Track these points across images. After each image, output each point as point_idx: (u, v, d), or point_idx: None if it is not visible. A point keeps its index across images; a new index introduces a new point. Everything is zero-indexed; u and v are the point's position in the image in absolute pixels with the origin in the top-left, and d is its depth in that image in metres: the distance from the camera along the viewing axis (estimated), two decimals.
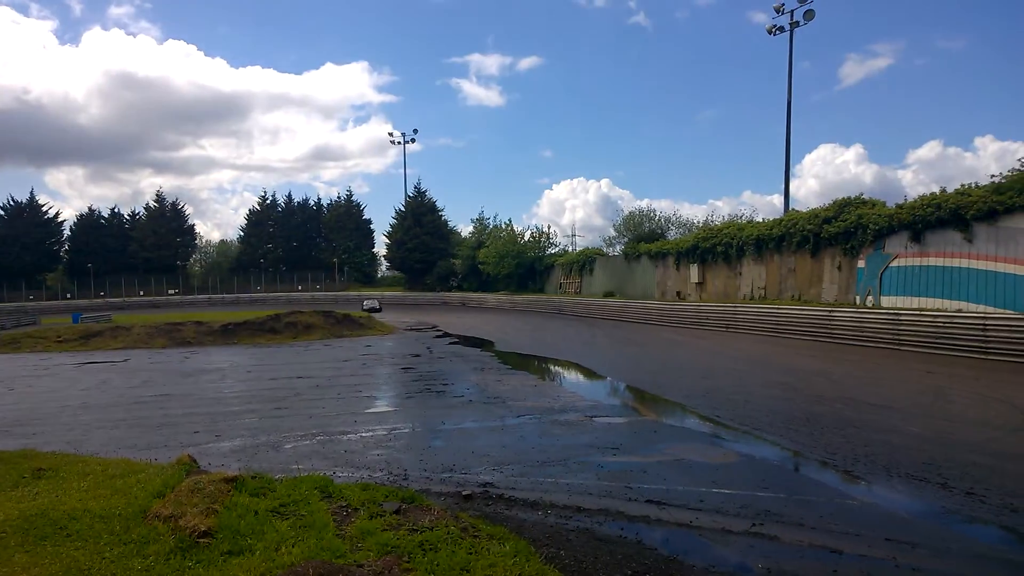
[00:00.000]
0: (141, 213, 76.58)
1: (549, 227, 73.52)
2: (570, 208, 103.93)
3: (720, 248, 31.06)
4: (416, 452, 9.23)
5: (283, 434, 10.35)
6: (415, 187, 68.65)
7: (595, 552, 5.60)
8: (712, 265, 32.11)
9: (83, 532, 5.08)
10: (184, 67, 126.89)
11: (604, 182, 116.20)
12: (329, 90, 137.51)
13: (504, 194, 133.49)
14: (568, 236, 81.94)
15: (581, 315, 38.87)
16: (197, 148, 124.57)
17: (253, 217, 76.77)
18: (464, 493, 7.19)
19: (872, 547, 5.70)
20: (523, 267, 53.58)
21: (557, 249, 55.45)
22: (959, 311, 18.92)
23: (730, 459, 8.70)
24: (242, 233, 77.80)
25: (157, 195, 76.12)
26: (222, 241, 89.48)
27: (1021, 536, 6.00)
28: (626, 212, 45.30)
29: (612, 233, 47.31)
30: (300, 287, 70.32)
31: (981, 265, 19.06)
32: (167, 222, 74.53)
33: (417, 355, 21.97)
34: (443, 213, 68.91)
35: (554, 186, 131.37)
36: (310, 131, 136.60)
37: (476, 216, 66.51)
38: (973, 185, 20.11)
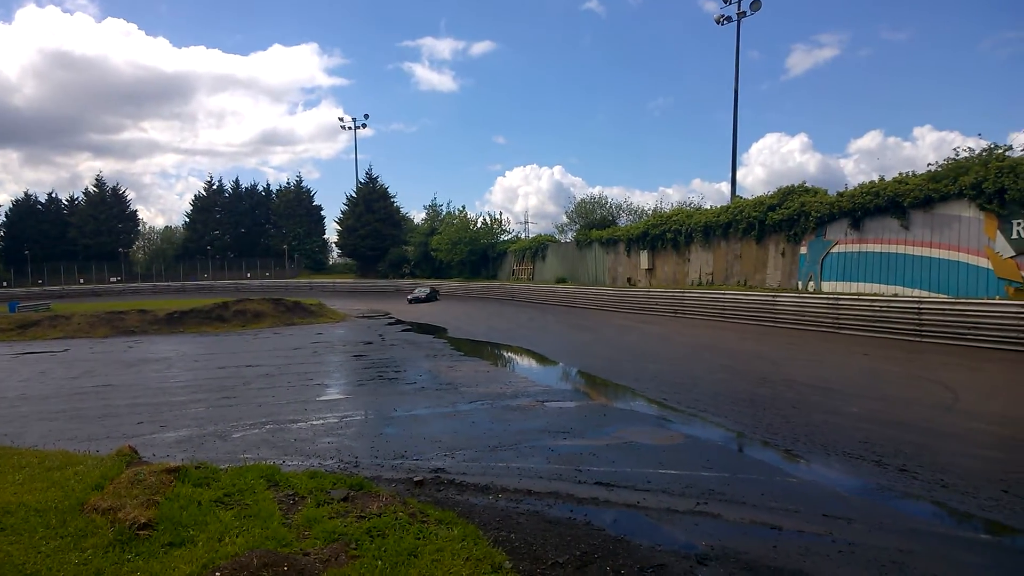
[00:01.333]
0: (80, 198, 73.37)
1: (502, 214, 73.58)
2: (523, 195, 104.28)
3: (669, 235, 31.58)
4: (367, 439, 9.19)
5: (231, 423, 10.15)
6: (367, 173, 67.69)
7: (545, 534, 5.68)
8: (662, 251, 32.65)
9: (17, 526, 4.90)
10: (124, 46, 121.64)
11: (557, 169, 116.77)
12: (277, 72, 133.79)
13: (457, 180, 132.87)
14: (521, 223, 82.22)
15: (534, 301, 39.09)
16: (138, 131, 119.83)
17: (199, 203, 74.43)
18: (416, 479, 7.20)
19: (810, 523, 5.93)
20: (476, 254, 53.52)
21: (510, 236, 55.62)
22: (895, 295, 19.74)
23: (676, 441, 8.92)
24: (188, 219, 75.38)
25: (97, 179, 73.13)
26: (167, 227, 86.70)
27: (951, 510, 6.31)
28: (578, 199, 45.66)
29: (564, 220, 47.71)
30: (249, 274, 68.68)
31: (917, 251, 19.89)
32: (108, 207, 71.58)
33: (369, 343, 21.77)
34: (395, 199, 68.24)
35: (507, 173, 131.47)
36: (258, 114, 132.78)
37: (429, 203, 66.41)
38: (910, 174, 20.89)
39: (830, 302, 20.77)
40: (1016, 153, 18.08)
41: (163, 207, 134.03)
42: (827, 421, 9.59)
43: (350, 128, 65.85)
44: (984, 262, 17.90)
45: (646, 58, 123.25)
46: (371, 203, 64.77)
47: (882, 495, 6.76)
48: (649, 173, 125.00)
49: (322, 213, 76.29)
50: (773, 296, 23.26)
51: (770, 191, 26.78)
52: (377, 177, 67.53)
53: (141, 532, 4.56)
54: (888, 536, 5.65)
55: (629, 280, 35.26)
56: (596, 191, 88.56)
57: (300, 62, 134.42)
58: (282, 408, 11.25)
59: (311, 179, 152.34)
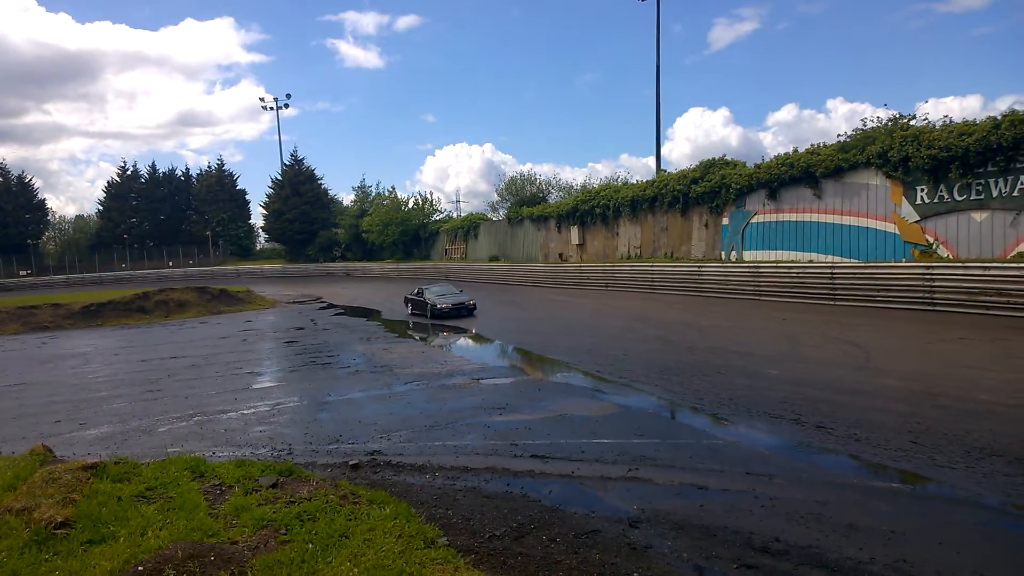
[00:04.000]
0: None
1: (432, 193, 72.86)
2: (454, 174, 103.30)
3: (598, 210, 32.03)
4: (301, 426, 9.06)
5: (156, 417, 9.80)
6: (291, 154, 65.66)
7: (482, 509, 5.77)
8: (591, 227, 33.10)
9: None
10: (21, 22, 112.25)
11: (487, 147, 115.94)
12: (191, 49, 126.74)
13: (386, 160, 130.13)
14: (453, 202, 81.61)
15: (468, 280, 39.04)
16: (42, 114, 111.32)
17: (112, 189, 70.22)
18: (351, 463, 7.16)
19: (734, 481, 6.22)
20: (408, 235, 52.94)
21: (442, 215, 55.29)
22: (811, 262, 20.71)
23: (609, 411, 9.15)
24: (101, 207, 71.00)
25: None
26: (79, 216, 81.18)
27: (864, 462, 6.72)
28: (509, 177, 45.67)
29: (496, 198, 47.63)
30: (171, 263, 65.63)
31: (829, 219, 20.89)
32: (13, 197, 66.53)
33: (301, 328, 21.31)
34: (323, 181, 66.37)
35: (437, 152, 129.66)
36: (172, 94, 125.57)
37: (358, 184, 64.75)
38: (822, 144, 21.85)
39: (751, 270, 21.63)
40: (920, 122, 19.15)
41: (73, 195, 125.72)
42: (750, 384, 10.03)
43: (272, 108, 63.52)
44: (891, 227, 18.97)
45: (574, 33, 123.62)
46: (298, 185, 62.89)
47: (801, 451, 7.15)
48: (578, 149, 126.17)
49: (247, 197, 73.44)
50: (698, 266, 24.03)
51: (694, 165, 27.55)
52: (303, 159, 65.59)
53: (59, 531, 4.38)
54: (806, 489, 5.99)
55: (561, 256, 35.66)
56: (526, 168, 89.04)
57: (215, 38, 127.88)
58: (210, 399, 10.91)
59: (233, 162, 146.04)
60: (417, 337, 18.45)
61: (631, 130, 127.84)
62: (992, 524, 5.26)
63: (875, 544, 4.80)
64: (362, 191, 61.56)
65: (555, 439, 7.83)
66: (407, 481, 6.61)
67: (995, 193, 16.39)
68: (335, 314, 25.57)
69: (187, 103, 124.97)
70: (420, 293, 22.86)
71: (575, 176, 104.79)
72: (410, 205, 53.98)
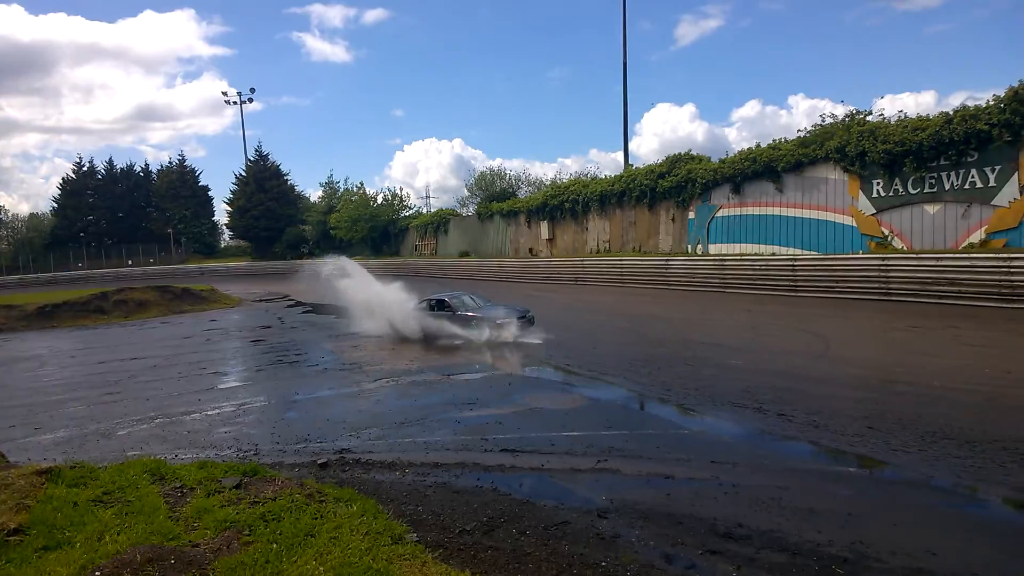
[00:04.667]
0: None
1: (402, 189, 72.33)
2: (424, 169, 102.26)
3: (568, 205, 32.20)
4: (268, 426, 8.95)
5: (115, 420, 9.57)
6: (256, 150, 64.33)
7: (452, 504, 5.80)
8: (561, 222, 33.26)
9: None
10: None
11: (457, 142, 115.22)
12: (150, 41, 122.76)
13: (354, 156, 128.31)
14: (422, 198, 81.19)
15: (438, 276, 38.91)
16: None
17: (68, 186, 68.13)
18: (320, 461, 7.11)
19: (700, 470, 6.36)
20: (377, 231, 52.51)
21: (412, 211, 54.84)
22: (773, 254, 21.12)
23: (579, 403, 9.24)
24: (56, 205, 68.76)
25: None
26: (33, 215, 78.35)
27: (823, 448, 6.93)
28: (478, 172, 45.59)
29: (466, 193, 47.54)
30: (131, 262, 63.96)
31: (790, 212, 21.32)
32: None
33: (267, 326, 21.00)
34: (289, 177, 65.36)
35: (406, 147, 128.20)
36: (131, 88, 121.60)
37: (325, 180, 63.98)
38: (783, 140, 22.30)
39: (716, 263, 21.99)
40: (876, 118, 19.64)
41: (27, 192, 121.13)
42: (716, 375, 10.22)
43: (235, 102, 62.33)
44: (849, 220, 19.45)
45: (543, 28, 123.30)
46: (263, 182, 61.86)
47: (763, 439, 7.34)
48: (548, 144, 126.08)
49: (210, 193, 71.85)
50: (666, 260, 24.34)
51: (661, 160, 27.87)
52: (268, 154, 64.48)
53: (11, 538, 4.25)
54: (768, 475, 6.15)
55: (531, 251, 35.76)
56: (496, 163, 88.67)
57: (175, 30, 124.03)
58: (173, 400, 10.70)
59: (196, 157, 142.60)
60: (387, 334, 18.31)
61: (600, 125, 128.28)
62: (943, 505, 5.47)
63: (833, 527, 4.96)
64: (330, 187, 60.83)
65: (525, 433, 7.88)
66: (377, 479, 6.59)
67: (947, 186, 16.91)
68: (303, 312, 25.29)
69: (146, 97, 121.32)
70: (443, 306, 15.91)
71: (545, 171, 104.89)
72: (379, 201, 53.53)
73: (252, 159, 63.80)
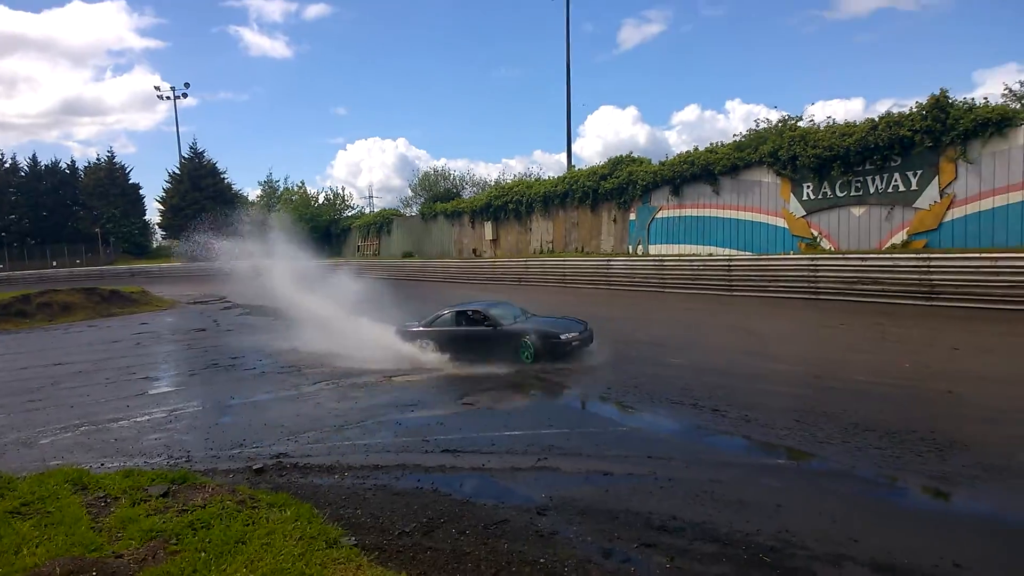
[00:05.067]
0: None
1: (344, 189, 71.12)
2: (367, 169, 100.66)
3: (512, 205, 32.33)
4: (201, 431, 8.71)
5: (38, 429, 9.13)
6: (191, 147, 62.18)
7: (392, 506, 5.77)
8: (505, 222, 33.37)
9: None
10: None
11: (401, 141, 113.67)
12: (78, 32, 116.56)
13: (295, 155, 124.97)
14: (366, 198, 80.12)
15: (381, 277, 38.47)
16: None
17: None
18: (255, 467, 6.97)
19: (637, 466, 6.50)
20: (318, 231, 51.51)
21: (354, 211, 54.10)
22: (710, 255, 21.72)
23: (521, 403, 9.30)
24: None
25: None
26: None
27: (754, 441, 7.19)
28: (422, 172, 45.34)
29: (409, 194, 47.19)
30: (55, 263, 60.80)
31: (726, 214, 21.97)
32: None
33: (202, 329, 20.35)
34: (226, 175, 63.42)
35: (349, 146, 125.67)
36: (57, 81, 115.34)
37: (264, 178, 62.32)
38: (720, 144, 22.96)
39: (656, 263, 22.47)
40: (807, 124, 20.46)
41: None
42: (655, 373, 10.45)
43: (169, 97, 60.12)
44: (781, 222, 20.17)
45: (489, 28, 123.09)
46: (198, 180, 59.86)
47: (698, 434, 7.58)
48: (493, 145, 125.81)
49: (141, 192, 68.86)
50: (607, 261, 24.71)
51: (603, 162, 28.25)
52: (204, 151, 62.37)
53: None
54: (702, 469, 6.34)
55: (475, 251, 35.74)
56: (441, 164, 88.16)
57: (105, 21, 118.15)
58: (100, 407, 10.25)
59: (126, 154, 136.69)
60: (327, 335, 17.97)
61: (544, 126, 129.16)
62: (865, 494, 5.72)
63: (762, 517, 5.14)
64: (269, 186, 59.46)
65: (467, 433, 7.90)
66: (315, 482, 6.50)
67: (872, 190, 17.74)
68: (240, 314, 24.57)
69: (73, 90, 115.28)
70: (475, 319, 12.26)
71: (489, 172, 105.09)
72: (320, 201, 52.62)
73: (187, 156, 61.72)
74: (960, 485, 5.72)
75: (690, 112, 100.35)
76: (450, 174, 44.02)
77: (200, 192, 59.21)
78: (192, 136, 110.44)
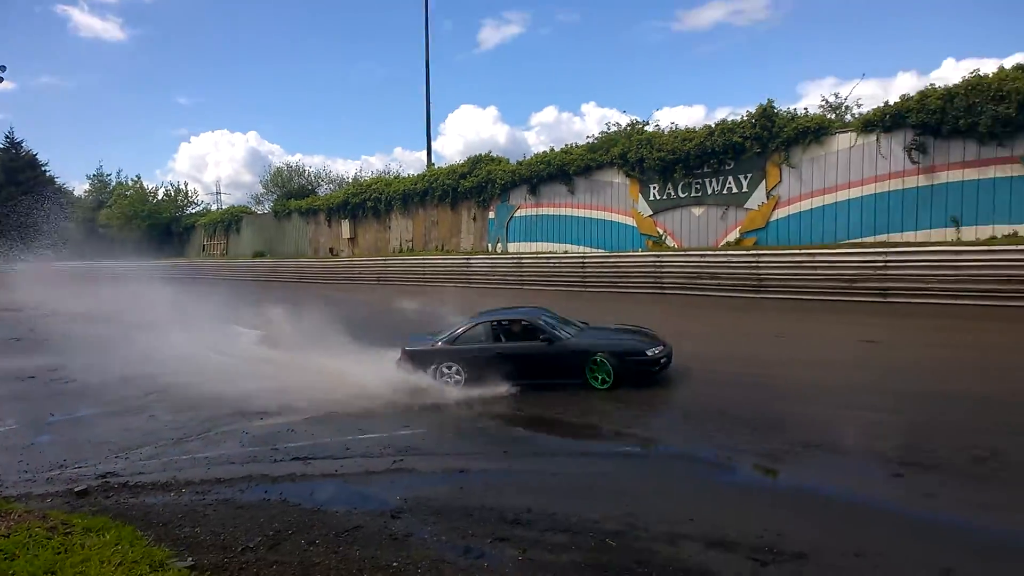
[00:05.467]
0: None
1: (187, 184, 65.80)
2: (214, 163, 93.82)
3: (370, 203, 31.63)
4: (14, 453, 7.75)
5: None
6: (7, 136, 55.02)
7: (235, 521, 5.45)
8: (363, 220, 32.59)
9: None
10: None
11: (251, 135, 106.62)
12: None
13: (130, 146, 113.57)
14: (212, 194, 74.95)
15: (228, 278, 36.17)
16: None
17: None
18: (77, 489, 6.33)
19: (493, 462, 6.59)
20: (157, 229, 47.47)
21: (199, 208, 50.36)
22: (566, 252, 22.52)
23: (376, 405, 9.05)
24: None
25: None
26: None
27: (604, 431, 7.47)
28: (275, 167, 43.10)
29: (261, 190, 44.66)
30: None
31: (580, 213, 22.88)
32: None
33: (16, 339, 18.04)
34: (48, 168, 56.77)
35: (193, 138, 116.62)
36: None
37: (94, 172, 56.42)
38: (574, 145, 23.84)
39: (515, 261, 22.96)
40: (653, 128, 21.79)
41: None
42: None
43: None
44: (630, 221, 21.32)
45: (349, 21, 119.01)
46: (14, 173, 53.04)
47: (552, 429, 7.75)
48: (352, 141, 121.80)
49: None
50: (467, 259, 24.87)
51: (463, 160, 28.35)
52: (21, 142, 55.35)
53: None
54: (555, 462, 6.56)
55: (332, 250, 34.57)
56: (295, 159, 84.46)
57: None
58: None
59: None
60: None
61: (406, 123, 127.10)
62: (703, 475, 6.15)
63: (609, 504, 5.38)
64: (99, 180, 53.92)
65: (319, 439, 7.62)
66: (147, 502, 6.00)
67: (710, 191, 19.22)
68: (63, 322, 22.06)
69: None
70: (518, 332, 9.52)
71: (348, 169, 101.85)
72: (160, 196, 48.51)
73: (1, 147, 54.63)
74: (783, 462, 6.26)
75: (548, 113, 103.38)
76: (305, 170, 42.19)
77: (17, 187, 52.48)
78: (8, 124, 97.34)
